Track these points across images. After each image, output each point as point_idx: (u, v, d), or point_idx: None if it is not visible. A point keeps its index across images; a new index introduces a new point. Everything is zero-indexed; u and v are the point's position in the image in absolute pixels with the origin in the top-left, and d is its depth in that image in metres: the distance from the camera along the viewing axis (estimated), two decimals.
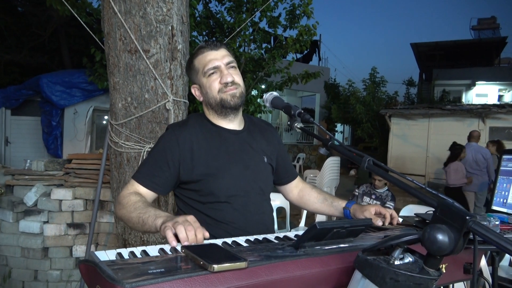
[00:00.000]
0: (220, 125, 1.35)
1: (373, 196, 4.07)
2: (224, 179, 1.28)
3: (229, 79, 1.29)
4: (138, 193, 1.24)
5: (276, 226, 4.13)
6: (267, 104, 1.29)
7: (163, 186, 1.29)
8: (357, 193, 4.22)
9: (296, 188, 1.58)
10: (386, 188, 4.09)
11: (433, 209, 1.29)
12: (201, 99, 1.36)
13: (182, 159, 1.26)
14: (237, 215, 1.29)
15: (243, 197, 1.31)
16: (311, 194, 1.55)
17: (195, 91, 1.38)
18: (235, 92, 1.30)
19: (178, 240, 0.93)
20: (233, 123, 1.37)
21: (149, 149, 2.31)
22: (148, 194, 1.27)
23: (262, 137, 1.43)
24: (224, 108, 1.31)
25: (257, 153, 1.38)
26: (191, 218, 1.01)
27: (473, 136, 6.10)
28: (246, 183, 1.33)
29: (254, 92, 6.03)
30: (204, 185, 1.27)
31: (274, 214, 4.15)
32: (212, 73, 1.30)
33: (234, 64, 1.34)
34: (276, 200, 4.13)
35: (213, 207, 1.28)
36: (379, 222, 1.28)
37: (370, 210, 1.35)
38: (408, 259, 0.76)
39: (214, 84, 1.29)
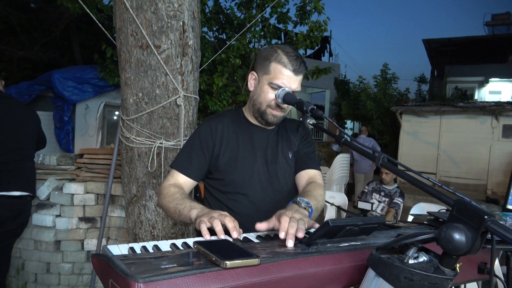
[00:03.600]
0: (252, 121, 1.42)
1: (382, 193, 4.04)
2: (244, 171, 1.34)
3: (283, 106, 1.32)
4: (177, 184, 1.32)
5: None
6: (279, 100, 1.28)
7: (199, 172, 1.37)
8: (366, 190, 4.20)
9: (305, 181, 1.41)
10: (395, 185, 4.05)
11: (445, 208, 1.27)
12: (251, 88, 1.39)
13: (214, 147, 1.36)
14: (253, 209, 1.33)
15: (261, 192, 1.35)
16: (307, 187, 1.43)
17: (251, 78, 1.38)
18: (278, 115, 1.35)
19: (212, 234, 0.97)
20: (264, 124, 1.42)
21: (160, 144, 2.32)
22: (187, 181, 1.35)
23: (291, 134, 1.47)
24: (261, 118, 1.37)
25: (283, 151, 1.42)
26: (225, 213, 1.04)
27: (362, 131, 8.68)
28: (266, 178, 1.37)
29: None
30: (226, 174, 1.35)
31: None
32: (274, 89, 1.29)
33: (298, 90, 1.33)
34: None
35: (232, 197, 1.35)
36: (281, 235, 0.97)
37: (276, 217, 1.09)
38: (423, 258, 0.75)
39: (269, 96, 1.31)
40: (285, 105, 1.31)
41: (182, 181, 1.34)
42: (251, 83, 1.38)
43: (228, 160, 1.35)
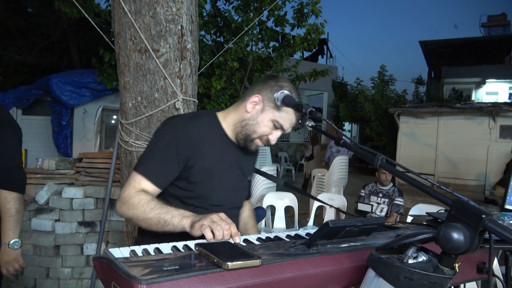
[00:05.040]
0: (229, 136, 1.35)
1: (380, 195, 4.02)
2: (217, 188, 1.28)
3: (272, 143, 1.33)
4: (145, 191, 1.20)
5: (284, 225, 4.14)
6: (278, 103, 1.29)
7: (168, 181, 1.25)
8: (363, 194, 4.16)
9: (246, 209, 1.60)
10: (391, 184, 4.04)
11: (444, 209, 1.28)
12: (249, 110, 1.29)
13: (189, 155, 1.22)
14: None
15: (224, 209, 1.28)
16: (244, 222, 1.58)
17: (253, 100, 1.29)
18: (260, 146, 1.34)
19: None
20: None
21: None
22: (154, 190, 1.22)
23: (250, 156, 1.45)
24: (244, 141, 1.31)
25: (245, 170, 1.41)
26: (222, 215, 1.03)
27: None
28: (231, 196, 1.35)
29: None
30: (197, 187, 1.25)
31: (283, 213, 4.16)
32: (275, 127, 1.29)
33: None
34: (285, 199, 4.14)
35: (194, 211, 1.22)
36: None
37: None
38: (422, 257, 0.76)
39: (265, 130, 1.29)
40: (272, 141, 1.33)
41: (150, 190, 1.21)
42: (253, 106, 1.29)
43: (203, 173, 1.25)
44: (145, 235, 1.22)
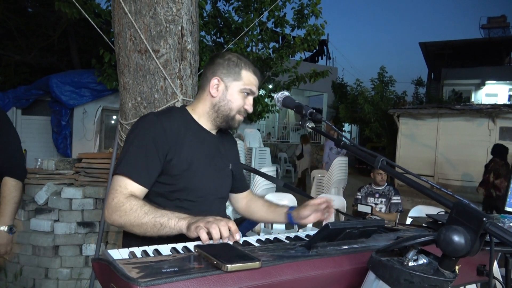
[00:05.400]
0: (202, 125, 1.36)
1: (377, 195, 4.01)
2: (200, 178, 1.29)
3: (250, 111, 1.35)
4: (134, 194, 1.17)
5: (284, 226, 4.13)
6: (278, 104, 1.29)
7: (153, 179, 1.23)
8: (359, 196, 4.12)
9: (245, 199, 1.61)
10: (386, 184, 4.03)
11: (444, 210, 1.27)
12: (215, 94, 1.32)
13: (167, 149, 1.22)
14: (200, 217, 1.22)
15: (209, 200, 1.33)
16: (257, 202, 1.59)
17: (214, 83, 1.31)
18: (242, 120, 1.37)
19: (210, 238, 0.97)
20: (213, 130, 1.40)
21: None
22: (141, 191, 1.20)
23: (228, 144, 1.48)
24: (226, 123, 1.35)
25: (225, 159, 1.42)
26: (218, 217, 1.03)
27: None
28: (215, 186, 1.35)
29: (261, 92, 6.03)
30: (179, 180, 1.25)
31: None
32: (247, 94, 1.33)
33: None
34: (284, 200, 4.13)
35: (180, 205, 1.26)
36: (311, 219, 1.37)
37: (308, 207, 1.37)
38: (422, 260, 0.76)
39: (239, 103, 1.32)
40: (249, 109, 1.35)
41: (137, 192, 1.18)
42: (216, 89, 1.31)
43: (183, 165, 1.24)
44: (131, 238, 1.19)
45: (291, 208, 1.44)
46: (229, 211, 1.72)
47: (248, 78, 1.32)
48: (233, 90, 1.31)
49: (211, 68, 1.34)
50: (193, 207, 1.27)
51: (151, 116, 1.27)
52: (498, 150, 5.70)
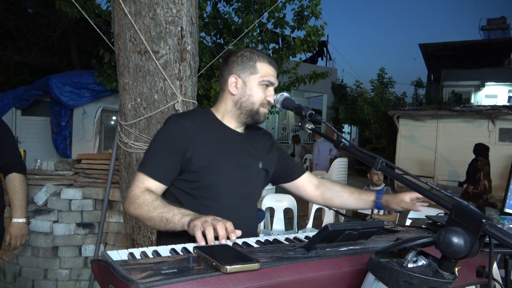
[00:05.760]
0: (225, 123, 1.37)
1: None
2: (220, 176, 1.29)
3: (273, 102, 1.34)
4: (150, 190, 1.24)
5: (283, 227, 4.13)
6: (278, 105, 1.29)
7: (170, 176, 1.28)
8: None
9: (311, 184, 1.56)
10: (383, 184, 4.03)
11: (443, 212, 1.27)
12: (234, 92, 1.33)
13: (185, 147, 1.26)
14: (222, 215, 1.19)
15: (233, 197, 1.32)
16: (333, 188, 1.55)
17: (231, 81, 1.33)
18: (267, 112, 1.37)
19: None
20: (239, 127, 1.39)
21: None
22: (158, 187, 1.27)
23: (260, 143, 1.46)
24: (251, 118, 1.34)
25: (253, 157, 1.39)
26: (219, 218, 1.02)
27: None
28: (239, 183, 1.34)
29: None
30: (201, 177, 1.27)
31: (282, 215, 4.16)
32: (267, 86, 1.33)
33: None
34: (284, 201, 4.13)
35: (203, 202, 1.28)
36: (419, 208, 1.38)
37: (405, 199, 1.39)
38: (422, 262, 0.75)
39: (260, 96, 1.32)
40: (272, 100, 1.34)
41: (153, 187, 1.26)
42: (235, 86, 1.33)
43: (203, 162, 1.27)
44: (163, 236, 1.24)
45: (379, 195, 1.46)
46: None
47: (264, 70, 1.32)
48: (251, 84, 1.32)
49: (226, 67, 1.35)
50: (215, 205, 1.28)
51: (171, 118, 1.34)
52: (482, 149, 5.74)
